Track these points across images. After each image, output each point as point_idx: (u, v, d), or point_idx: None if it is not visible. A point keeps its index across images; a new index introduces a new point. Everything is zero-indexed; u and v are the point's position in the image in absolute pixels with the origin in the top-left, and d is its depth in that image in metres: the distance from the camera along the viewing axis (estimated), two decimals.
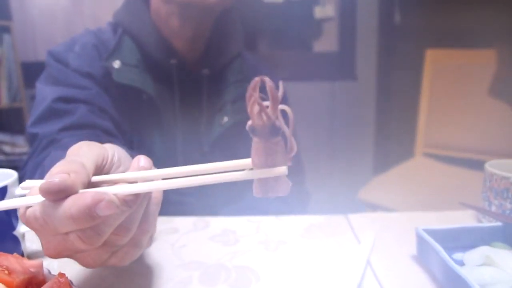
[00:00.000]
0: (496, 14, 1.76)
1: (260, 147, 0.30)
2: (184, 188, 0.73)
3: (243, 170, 0.31)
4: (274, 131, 0.28)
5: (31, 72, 1.91)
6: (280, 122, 0.28)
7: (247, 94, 0.27)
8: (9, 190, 0.47)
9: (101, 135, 0.67)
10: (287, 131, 0.29)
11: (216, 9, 0.73)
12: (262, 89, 0.27)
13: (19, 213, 0.33)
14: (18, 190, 0.49)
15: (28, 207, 0.33)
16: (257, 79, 0.27)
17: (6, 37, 1.89)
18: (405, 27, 2.15)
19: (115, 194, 0.32)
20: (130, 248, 0.36)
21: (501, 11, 1.75)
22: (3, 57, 1.90)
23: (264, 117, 0.28)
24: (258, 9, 2.08)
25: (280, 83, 0.28)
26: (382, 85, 2.19)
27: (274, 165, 0.30)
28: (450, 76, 1.75)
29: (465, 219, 0.62)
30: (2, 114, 2.00)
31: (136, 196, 0.33)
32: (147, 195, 0.36)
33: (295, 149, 0.30)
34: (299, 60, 2.17)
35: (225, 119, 0.78)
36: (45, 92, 0.71)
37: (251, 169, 0.31)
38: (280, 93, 0.28)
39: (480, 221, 0.60)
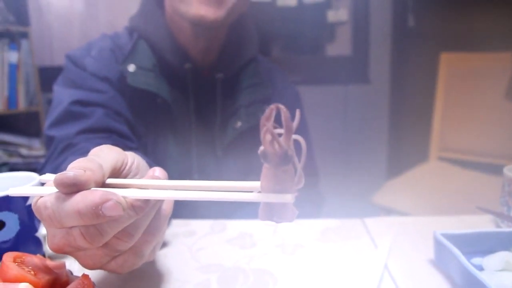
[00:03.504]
0: (511, 16, 1.74)
1: (270, 173, 0.30)
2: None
3: (251, 192, 0.31)
4: (285, 159, 0.28)
5: (48, 76, 1.94)
6: (292, 152, 0.28)
7: (261, 122, 0.27)
8: None
9: (117, 139, 0.68)
10: (297, 163, 0.29)
11: (224, 22, 0.73)
12: (278, 115, 0.28)
13: (32, 202, 0.34)
14: None
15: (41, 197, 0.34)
16: (272, 107, 0.27)
17: (24, 43, 1.93)
18: (419, 31, 2.14)
19: (124, 197, 0.32)
20: (131, 256, 0.37)
21: None
22: (21, 62, 1.94)
23: (276, 146, 0.28)
24: (271, 13, 2.09)
25: (298, 112, 0.28)
26: (396, 89, 2.18)
27: (281, 191, 0.30)
28: (465, 79, 1.73)
29: (482, 223, 0.62)
30: (20, 117, 2.04)
31: (145, 203, 0.33)
32: (156, 205, 0.36)
33: (303, 182, 0.30)
34: (313, 64, 2.17)
35: (239, 123, 0.78)
36: (63, 95, 0.73)
37: (259, 192, 0.31)
38: (295, 123, 0.28)
39: (498, 226, 0.60)
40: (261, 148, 0.29)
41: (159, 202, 0.37)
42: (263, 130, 0.28)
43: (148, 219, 0.36)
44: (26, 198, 0.48)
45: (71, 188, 0.32)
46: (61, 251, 0.34)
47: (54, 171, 0.65)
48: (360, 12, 2.14)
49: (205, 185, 0.34)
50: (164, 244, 0.55)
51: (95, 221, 0.31)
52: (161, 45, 0.76)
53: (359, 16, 2.14)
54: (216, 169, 0.80)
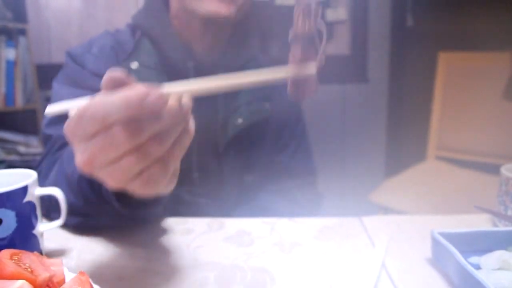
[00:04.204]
0: (509, 16, 1.74)
1: (298, 52, 0.38)
2: (197, 189, 0.73)
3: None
4: (311, 39, 0.37)
5: (46, 74, 1.93)
6: (315, 33, 0.37)
7: (295, 7, 0.37)
8: (29, 189, 0.48)
9: None
10: (321, 44, 0.37)
11: (234, 18, 0.74)
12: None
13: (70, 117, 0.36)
14: (38, 190, 0.50)
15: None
16: None
17: (22, 40, 1.92)
18: (417, 30, 2.14)
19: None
20: (156, 170, 0.36)
21: None
22: (19, 59, 1.93)
23: (306, 26, 0.37)
24: (269, 12, 2.08)
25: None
26: (394, 88, 2.18)
27: (306, 68, 0.38)
28: (463, 78, 1.74)
29: (480, 223, 0.62)
30: (17, 115, 2.03)
31: (181, 109, 0.36)
32: (189, 114, 0.38)
33: (323, 62, 0.37)
34: None
35: (240, 120, 0.79)
36: (61, 92, 0.73)
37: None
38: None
39: (496, 225, 0.60)
40: (291, 32, 0.37)
41: (190, 114, 0.39)
42: (296, 12, 0.37)
43: (179, 127, 0.37)
44: (24, 194, 0.47)
45: (120, 85, 0.35)
46: (92, 167, 0.35)
47: (53, 164, 0.65)
48: (358, 11, 2.14)
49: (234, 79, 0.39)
50: (162, 243, 0.55)
51: (140, 111, 0.33)
52: (165, 43, 0.75)
53: (358, 15, 2.14)
54: (217, 166, 0.80)
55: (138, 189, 0.37)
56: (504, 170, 0.60)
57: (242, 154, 0.82)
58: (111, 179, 0.36)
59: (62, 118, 0.70)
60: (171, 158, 0.37)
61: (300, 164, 0.92)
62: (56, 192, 0.50)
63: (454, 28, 1.99)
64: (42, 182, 0.58)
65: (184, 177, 0.79)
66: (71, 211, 0.53)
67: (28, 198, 0.48)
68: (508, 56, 1.66)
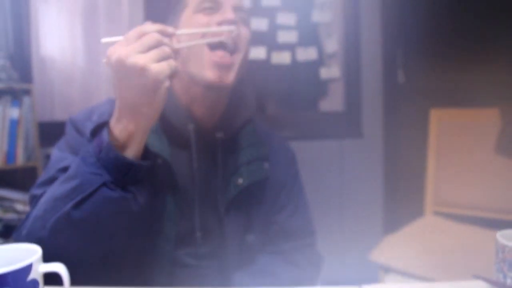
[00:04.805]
0: (498, 72, 1.81)
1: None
2: (199, 249, 0.75)
3: None
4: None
5: (47, 131, 1.97)
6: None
7: None
8: (33, 267, 0.48)
9: None
10: None
11: (232, 84, 0.79)
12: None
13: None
14: (42, 267, 0.50)
15: None
16: None
17: (26, 99, 1.96)
18: (409, 87, 2.20)
19: None
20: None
21: (502, 69, 1.80)
22: (22, 118, 1.96)
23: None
24: (265, 71, 2.15)
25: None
26: (389, 143, 2.21)
27: None
28: (455, 134, 1.78)
29: None
30: (17, 172, 2.04)
31: None
32: None
33: None
34: (307, 119, 2.22)
35: (240, 180, 0.81)
36: (58, 159, 0.74)
37: None
38: None
39: None
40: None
41: None
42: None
43: None
44: (27, 273, 0.48)
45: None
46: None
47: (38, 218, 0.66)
48: (351, 69, 2.21)
49: None
50: None
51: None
52: (166, 107, 0.78)
53: (351, 73, 2.21)
54: (218, 226, 0.82)
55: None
56: (499, 237, 0.60)
57: (243, 214, 0.84)
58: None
59: (51, 181, 0.71)
60: None
61: (299, 225, 0.93)
62: (60, 268, 0.51)
63: (444, 84, 2.05)
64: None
65: (187, 238, 0.80)
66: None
67: (32, 275, 0.48)
68: (497, 112, 1.71)
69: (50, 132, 1.87)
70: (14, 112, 1.93)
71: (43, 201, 0.65)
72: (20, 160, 1.96)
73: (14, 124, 1.94)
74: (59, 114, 2.15)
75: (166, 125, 0.79)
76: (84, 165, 0.62)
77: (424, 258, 1.38)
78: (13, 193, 2.02)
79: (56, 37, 2.12)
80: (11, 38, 2.05)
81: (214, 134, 0.82)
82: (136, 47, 0.58)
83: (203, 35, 0.76)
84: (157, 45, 0.60)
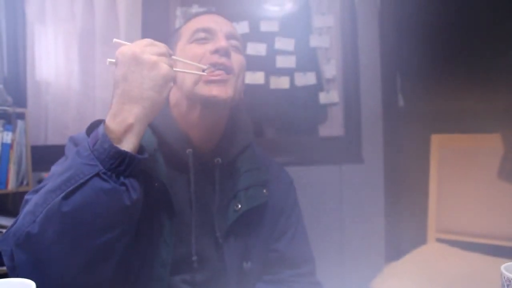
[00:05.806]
0: (498, 97, 1.80)
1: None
2: (197, 276, 0.79)
3: None
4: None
5: (40, 155, 1.94)
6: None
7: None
8: None
9: None
10: None
11: (231, 102, 0.80)
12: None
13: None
14: None
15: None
16: None
17: (20, 123, 1.94)
18: (409, 111, 2.20)
19: None
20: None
21: (502, 93, 1.79)
22: (15, 142, 1.94)
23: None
24: (264, 96, 2.15)
25: None
26: (390, 169, 2.19)
27: None
28: (457, 159, 1.76)
29: None
30: (8, 198, 1.99)
31: None
32: None
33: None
34: (306, 144, 2.20)
35: (238, 206, 0.81)
36: (55, 171, 0.73)
37: None
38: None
39: None
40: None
41: None
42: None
43: None
44: None
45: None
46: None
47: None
48: (350, 94, 2.21)
49: None
50: None
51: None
52: (164, 131, 0.80)
53: (350, 97, 2.21)
54: (216, 252, 0.81)
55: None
56: (504, 271, 0.57)
57: (241, 241, 0.83)
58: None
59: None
60: None
61: (298, 252, 0.91)
62: None
63: (444, 109, 2.04)
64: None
65: (183, 263, 0.78)
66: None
67: None
68: (499, 137, 1.70)
69: (43, 156, 1.84)
70: (6, 136, 1.91)
71: (35, 197, 0.65)
72: (11, 185, 1.93)
73: (6, 148, 1.91)
74: (53, 139, 2.12)
75: (164, 149, 0.79)
76: (78, 157, 0.63)
77: (427, 286, 1.35)
78: (2, 219, 1.97)
79: (52, 61, 2.11)
80: (5, 61, 2.04)
81: (212, 159, 0.83)
82: (149, 49, 0.67)
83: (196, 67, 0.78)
84: (166, 54, 0.68)
